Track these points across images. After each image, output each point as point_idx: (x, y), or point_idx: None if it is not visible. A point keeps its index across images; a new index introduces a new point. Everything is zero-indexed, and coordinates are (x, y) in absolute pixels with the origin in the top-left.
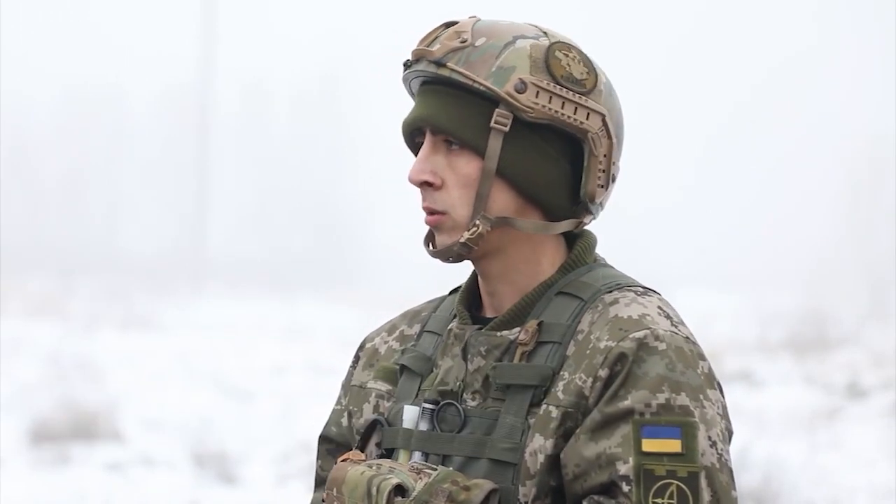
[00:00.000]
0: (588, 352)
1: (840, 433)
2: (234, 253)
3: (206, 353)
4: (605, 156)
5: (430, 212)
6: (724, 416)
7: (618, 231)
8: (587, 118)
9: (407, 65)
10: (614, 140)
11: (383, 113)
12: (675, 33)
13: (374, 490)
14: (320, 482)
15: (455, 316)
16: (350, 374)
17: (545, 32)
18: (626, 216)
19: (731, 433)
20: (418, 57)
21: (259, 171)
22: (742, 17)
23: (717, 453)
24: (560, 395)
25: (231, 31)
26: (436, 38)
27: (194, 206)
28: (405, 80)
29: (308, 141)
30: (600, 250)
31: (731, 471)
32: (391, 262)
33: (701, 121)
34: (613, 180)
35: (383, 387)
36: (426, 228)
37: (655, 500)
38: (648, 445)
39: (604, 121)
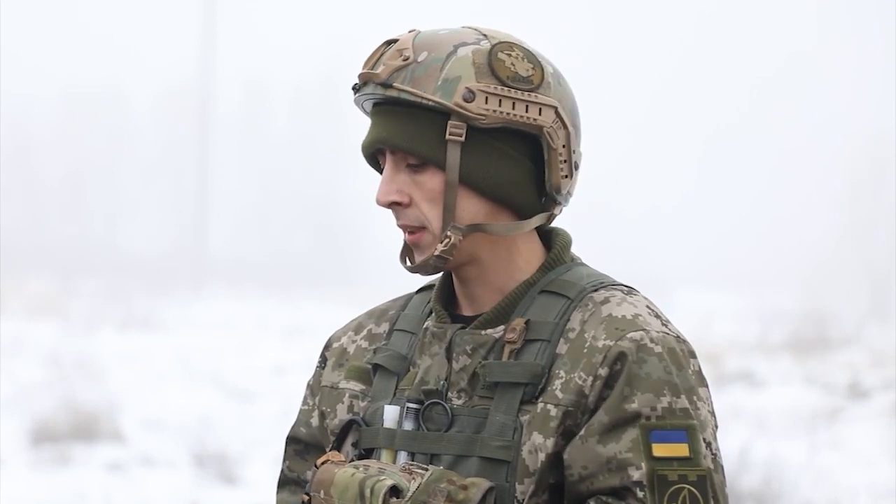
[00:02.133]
0: (585, 350)
1: (841, 433)
2: (234, 253)
3: (207, 353)
4: (563, 146)
5: (408, 229)
6: (712, 412)
7: (619, 231)
8: (540, 114)
9: (355, 89)
10: (571, 129)
11: None
12: (675, 36)
13: (367, 492)
14: (286, 482)
15: (429, 314)
16: (318, 375)
17: (486, 35)
18: (627, 216)
19: (717, 427)
20: (365, 80)
21: (259, 172)
22: (742, 19)
23: (712, 454)
24: (559, 393)
25: (231, 31)
26: (379, 58)
27: (195, 207)
28: (357, 102)
29: (308, 141)
30: (601, 250)
31: (723, 468)
32: (391, 262)
33: (701, 121)
34: (577, 168)
35: (356, 386)
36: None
37: None
38: (659, 450)
39: (557, 112)
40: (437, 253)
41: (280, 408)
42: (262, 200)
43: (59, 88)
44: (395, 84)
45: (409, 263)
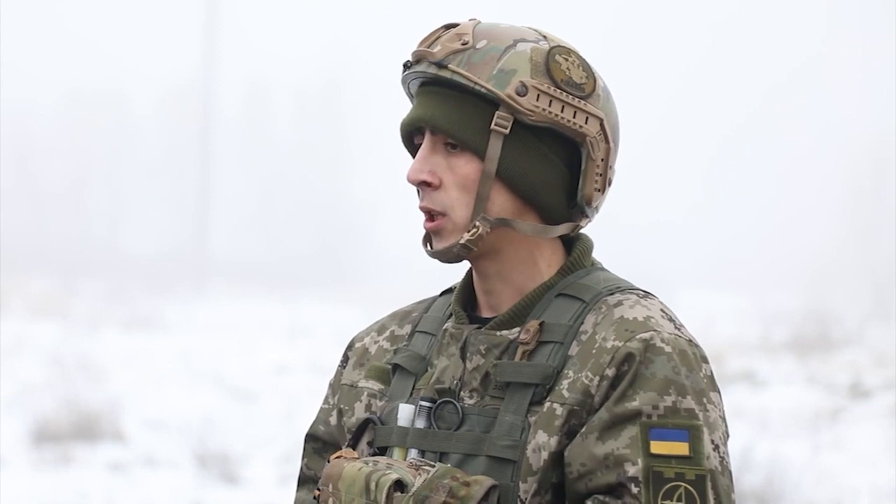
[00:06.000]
0: (594, 351)
1: (843, 433)
2: (235, 253)
3: (209, 353)
4: (602, 160)
5: (429, 214)
6: (724, 418)
7: (621, 231)
8: (586, 122)
9: (407, 65)
10: (612, 144)
11: (384, 115)
12: (680, 45)
13: (372, 485)
14: (305, 480)
15: (450, 316)
16: (339, 374)
17: (545, 36)
18: (628, 216)
19: (728, 435)
20: (419, 58)
21: (261, 172)
22: (747, 27)
23: (720, 456)
24: (565, 392)
25: (232, 35)
26: (436, 39)
27: (196, 207)
28: (404, 80)
29: (309, 142)
30: (605, 251)
31: (731, 473)
32: (392, 262)
33: (708, 124)
34: (609, 184)
35: (375, 386)
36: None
37: (664, 502)
38: (657, 448)
39: (602, 125)
40: (462, 241)
41: (282, 408)
42: (263, 202)
43: (61, 91)
44: (450, 66)
45: (430, 248)
